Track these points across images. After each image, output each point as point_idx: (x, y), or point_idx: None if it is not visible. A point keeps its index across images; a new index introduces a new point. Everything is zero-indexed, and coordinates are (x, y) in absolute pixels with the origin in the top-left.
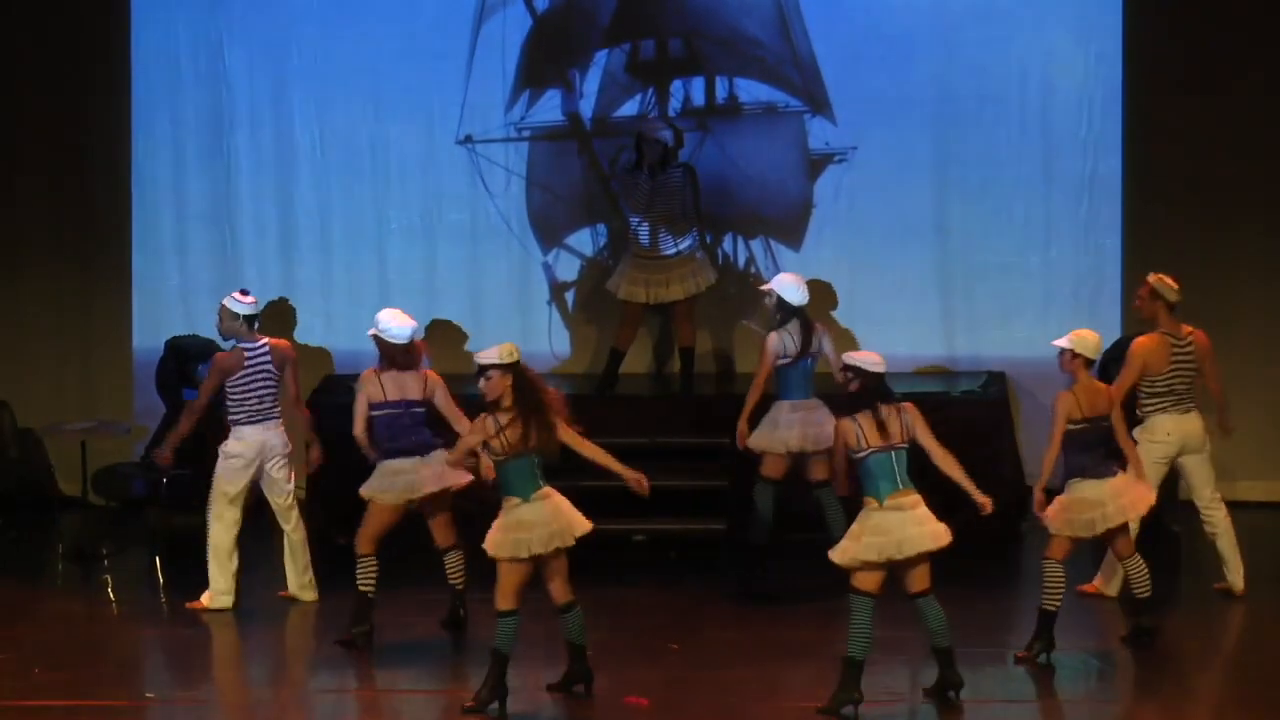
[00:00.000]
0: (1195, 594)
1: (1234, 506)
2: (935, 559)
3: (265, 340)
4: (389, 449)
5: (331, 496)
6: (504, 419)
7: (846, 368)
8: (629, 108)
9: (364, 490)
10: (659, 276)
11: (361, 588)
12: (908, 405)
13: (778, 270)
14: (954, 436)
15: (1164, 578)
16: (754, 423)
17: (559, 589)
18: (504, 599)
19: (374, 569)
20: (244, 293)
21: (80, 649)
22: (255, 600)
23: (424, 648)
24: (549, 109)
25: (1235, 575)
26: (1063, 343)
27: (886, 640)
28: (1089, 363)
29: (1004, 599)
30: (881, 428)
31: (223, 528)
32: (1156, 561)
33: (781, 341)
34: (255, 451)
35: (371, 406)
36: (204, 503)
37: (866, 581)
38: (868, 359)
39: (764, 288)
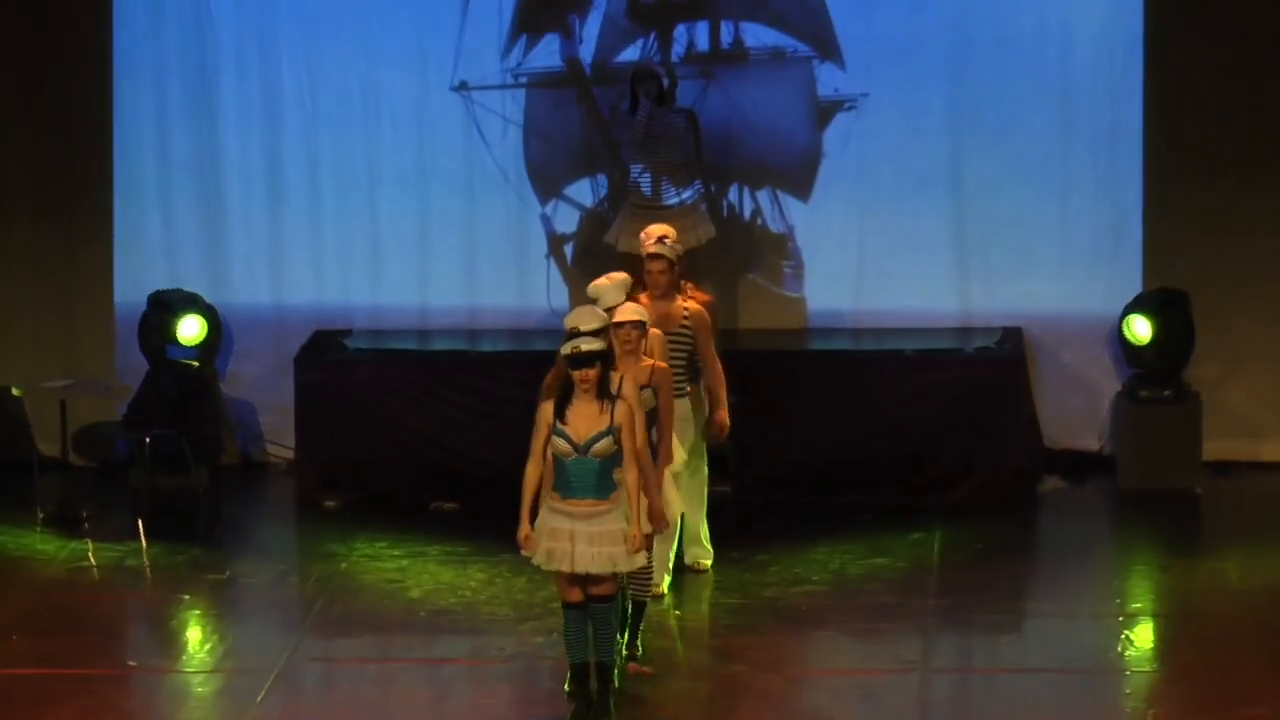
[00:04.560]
0: (1217, 557)
1: (1257, 468)
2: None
3: None
4: None
5: (321, 459)
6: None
7: None
8: (630, 53)
9: None
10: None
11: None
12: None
13: (785, 222)
14: (968, 395)
15: (1185, 542)
16: None
17: None
18: None
19: None
20: None
21: (60, 615)
22: (243, 566)
23: (411, 616)
24: (547, 55)
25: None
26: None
27: (897, 607)
28: None
29: (1020, 563)
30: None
31: None
32: (1177, 523)
33: None
34: None
35: None
36: (187, 465)
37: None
38: None
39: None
